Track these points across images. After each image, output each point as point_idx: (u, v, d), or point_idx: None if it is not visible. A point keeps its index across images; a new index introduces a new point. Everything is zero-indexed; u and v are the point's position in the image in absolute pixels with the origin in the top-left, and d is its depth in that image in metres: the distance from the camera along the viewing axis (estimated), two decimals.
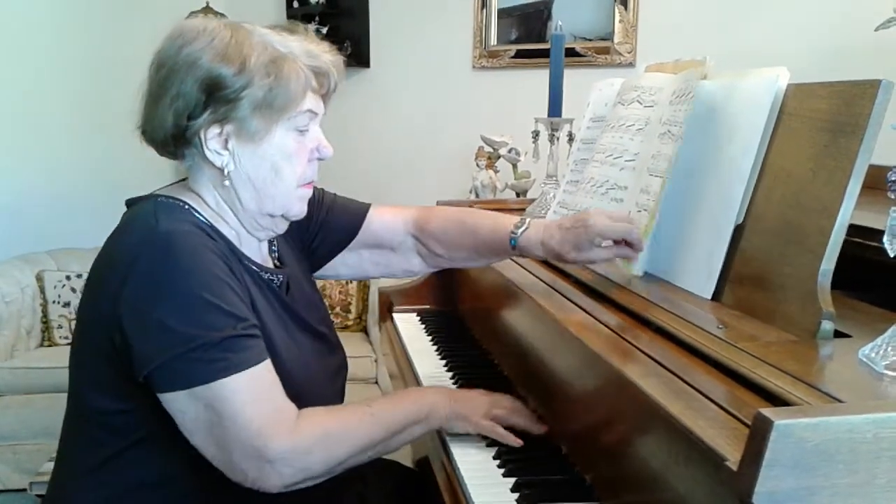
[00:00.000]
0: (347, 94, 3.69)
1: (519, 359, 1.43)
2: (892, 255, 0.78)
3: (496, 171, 2.93)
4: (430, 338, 1.78)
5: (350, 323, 3.31)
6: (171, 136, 1.13)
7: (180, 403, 1.01)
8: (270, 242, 1.30)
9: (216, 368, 0.99)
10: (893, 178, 0.78)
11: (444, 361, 1.61)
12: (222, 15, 3.49)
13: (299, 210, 1.22)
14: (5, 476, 2.88)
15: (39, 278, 3.18)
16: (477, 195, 2.91)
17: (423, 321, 1.92)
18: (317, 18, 3.63)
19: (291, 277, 1.29)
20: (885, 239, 0.79)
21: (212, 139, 1.12)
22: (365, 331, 3.33)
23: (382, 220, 1.43)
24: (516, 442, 1.17)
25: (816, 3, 2.48)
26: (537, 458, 1.14)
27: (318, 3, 3.61)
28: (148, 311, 1.01)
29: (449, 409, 1.19)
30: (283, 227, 1.25)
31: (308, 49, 1.16)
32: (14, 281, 3.11)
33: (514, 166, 2.83)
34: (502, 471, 1.11)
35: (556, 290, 1.29)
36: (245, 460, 1.01)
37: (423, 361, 1.61)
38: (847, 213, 0.91)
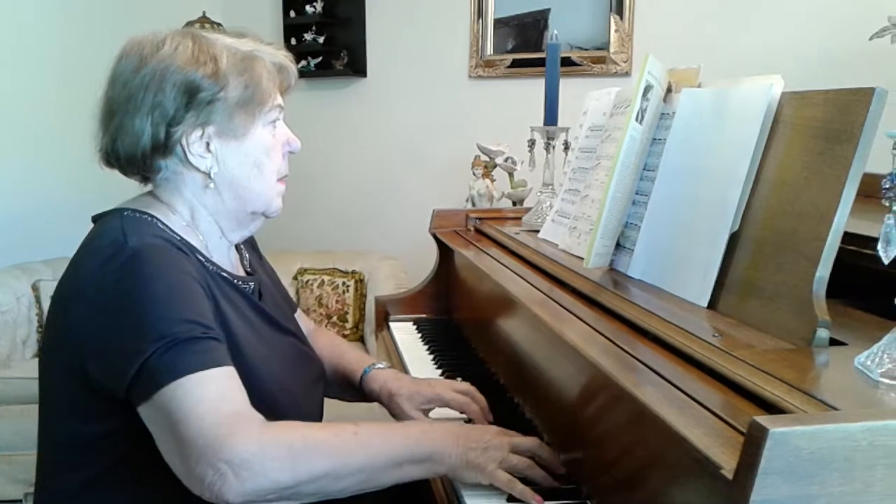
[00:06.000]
0: (344, 103, 3.72)
1: (515, 367, 1.43)
2: (886, 263, 0.78)
3: (493, 180, 2.93)
4: (426, 346, 1.78)
5: (347, 332, 3.30)
6: (151, 149, 1.12)
7: (146, 415, 0.98)
8: (240, 251, 1.31)
9: (171, 372, 0.95)
10: (887, 186, 0.78)
11: (440, 370, 1.61)
12: (219, 24, 3.51)
13: (277, 206, 1.24)
14: (0, 487, 2.86)
15: (35, 288, 3.17)
16: (473, 204, 2.91)
17: (419, 330, 1.92)
18: (313, 28, 3.64)
19: (262, 285, 1.30)
20: (879, 246, 0.79)
21: (194, 143, 1.13)
22: (362, 340, 3.33)
23: (300, 315, 1.50)
24: (537, 500, 1.04)
25: (811, 12, 2.49)
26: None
27: (314, 12, 3.62)
28: (120, 330, 0.98)
29: (458, 455, 1.06)
30: (259, 225, 1.26)
31: (264, 48, 1.20)
32: (10, 290, 3.10)
33: (511, 175, 2.83)
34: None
35: (552, 298, 1.29)
36: (200, 462, 0.91)
37: (419, 370, 1.61)
38: (842, 220, 0.91)
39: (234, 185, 1.17)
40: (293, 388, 1.20)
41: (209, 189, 1.16)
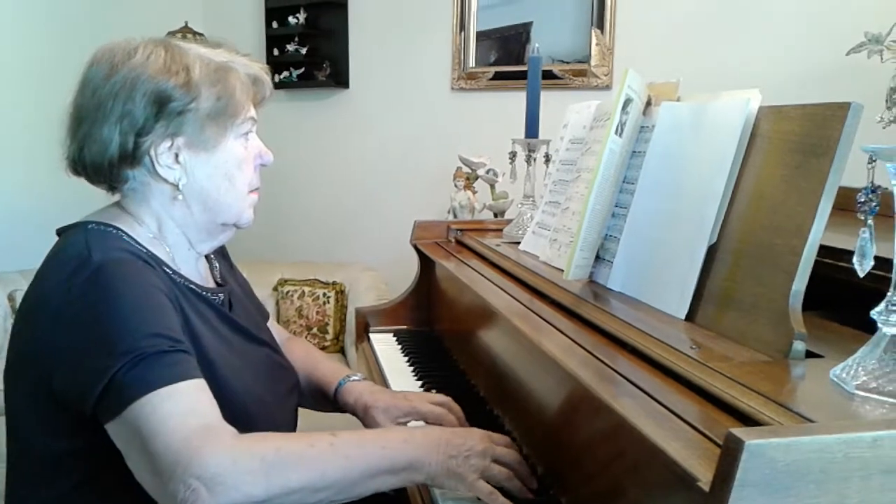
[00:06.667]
0: (326, 114, 3.72)
1: (495, 379, 1.42)
2: (861, 276, 0.79)
3: (474, 192, 2.93)
4: (406, 358, 1.77)
5: (328, 344, 3.29)
6: (118, 158, 1.10)
7: (115, 433, 0.96)
8: (210, 261, 1.29)
9: (139, 387, 0.93)
10: (862, 200, 0.78)
11: (420, 382, 1.60)
12: (201, 34, 3.50)
13: (249, 217, 1.22)
14: None
15: (11, 298, 3.13)
16: (455, 215, 2.91)
17: (399, 341, 1.91)
18: (296, 39, 3.64)
19: (233, 295, 1.29)
20: (854, 259, 0.80)
21: (163, 154, 1.11)
22: (342, 351, 3.31)
23: (273, 324, 1.49)
24: None
25: (789, 27, 2.52)
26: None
27: (297, 23, 3.62)
28: (85, 346, 0.97)
29: (439, 463, 1.03)
30: (229, 236, 1.25)
31: (238, 60, 1.19)
32: None
33: (492, 187, 2.84)
34: None
35: (532, 310, 1.29)
36: (172, 479, 0.89)
37: (399, 382, 1.60)
38: (818, 233, 0.92)
39: (203, 197, 1.15)
40: (266, 399, 1.19)
41: (177, 201, 1.14)
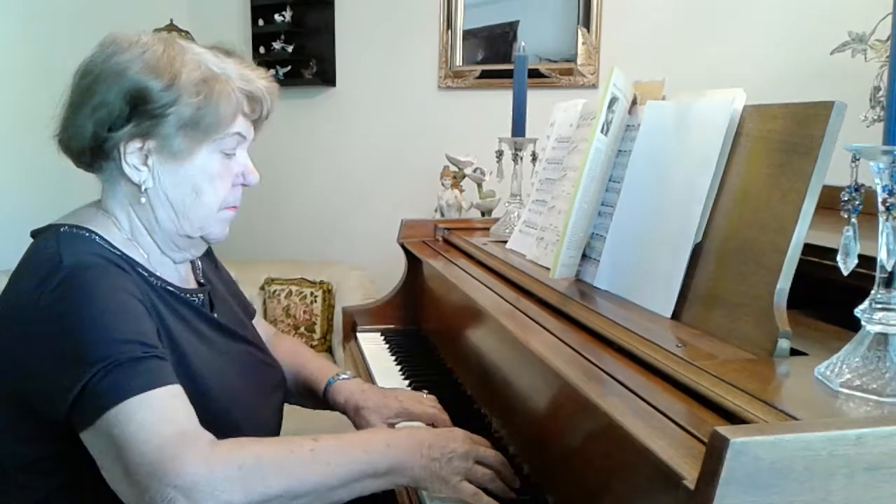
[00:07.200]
0: (313, 112, 3.71)
1: (482, 378, 1.42)
2: (845, 274, 0.80)
3: (461, 191, 2.93)
4: (393, 357, 1.77)
5: (315, 343, 3.28)
6: (89, 148, 1.09)
7: (90, 442, 0.94)
8: (193, 261, 1.27)
9: (112, 395, 0.91)
10: (846, 198, 0.79)
11: (407, 381, 1.60)
12: (187, 32, 3.48)
13: (219, 232, 1.18)
14: None
15: None
16: (442, 214, 2.91)
17: (387, 341, 1.91)
18: (282, 37, 3.63)
19: (216, 295, 1.27)
20: (838, 258, 0.80)
21: (131, 154, 1.08)
22: (330, 351, 3.31)
23: (260, 321, 1.48)
24: None
25: (774, 26, 2.53)
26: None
27: (283, 21, 3.61)
28: (57, 355, 0.95)
29: (422, 466, 1.03)
30: (201, 249, 1.22)
31: (243, 73, 1.14)
32: None
33: (479, 186, 2.84)
34: None
35: (518, 309, 1.29)
36: (149, 489, 0.87)
37: (386, 381, 1.60)
38: (802, 231, 0.92)
39: (168, 206, 1.12)
40: (248, 399, 1.17)
41: (142, 204, 1.11)
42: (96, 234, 1.08)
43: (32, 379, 0.97)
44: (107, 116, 1.06)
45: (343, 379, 1.38)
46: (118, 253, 1.08)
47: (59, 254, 1.01)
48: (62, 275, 0.98)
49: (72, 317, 0.96)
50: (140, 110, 1.06)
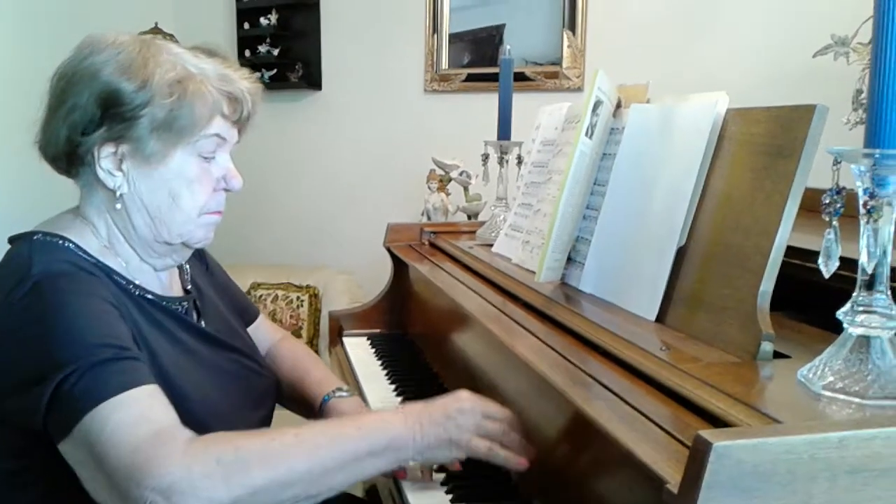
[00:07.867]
0: (299, 116, 3.70)
1: (469, 382, 1.42)
2: (827, 277, 0.80)
3: (448, 194, 2.93)
4: (379, 362, 1.76)
5: None
6: (64, 153, 1.07)
7: (69, 453, 0.91)
8: (181, 267, 1.24)
9: (86, 399, 0.89)
10: (827, 201, 0.79)
11: (393, 386, 1.60)
12: (172, 36, 3.46)
13: (202, 237, 1.15)
14: None
15: None
16: (429, 217, 2.91)
17: (373, 345, 1.90)
18: (268, 40, 3.62)
19: (204, 301, 1.24)
20: (819, 260, 0.80)
21: (105, 158, 1.06)
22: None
23: (263, 324, 1.46)
24: (522, 464, 1.02)
25: (757, 29, 2.54)
26: (487, 484, 1.11)
27: (269, 24, 3.60)
28: (29, 362, 0.93)
29: (425, 435, 0.99)
30: (184, 255, 1.19)
31: (223, 73, 1.11)
32: None
33: (466, 189, 2.84)
34: (450, 497, 1.09)
35: (504, 313, 1.29)
36: (129, 495, 0.84)
37: (372, 386, 1.59)
38: (785, 234, 0.92)
39: (144, 212, 1.09)
40: (229, 410, 1.14)
41: (118, 210, 1.08)
42: (70, 241, 1.06)
43: (7, 390, 0.95)
44: (80, 120, 1.04)
45: (340, 396, 1.32)
46: (92, 261, 1.06)
47: (29, 262, 0.99)
48: (30, 284, 0.97)
49: (44, 322, 0.94)
50: (112, 113, 1.03)
